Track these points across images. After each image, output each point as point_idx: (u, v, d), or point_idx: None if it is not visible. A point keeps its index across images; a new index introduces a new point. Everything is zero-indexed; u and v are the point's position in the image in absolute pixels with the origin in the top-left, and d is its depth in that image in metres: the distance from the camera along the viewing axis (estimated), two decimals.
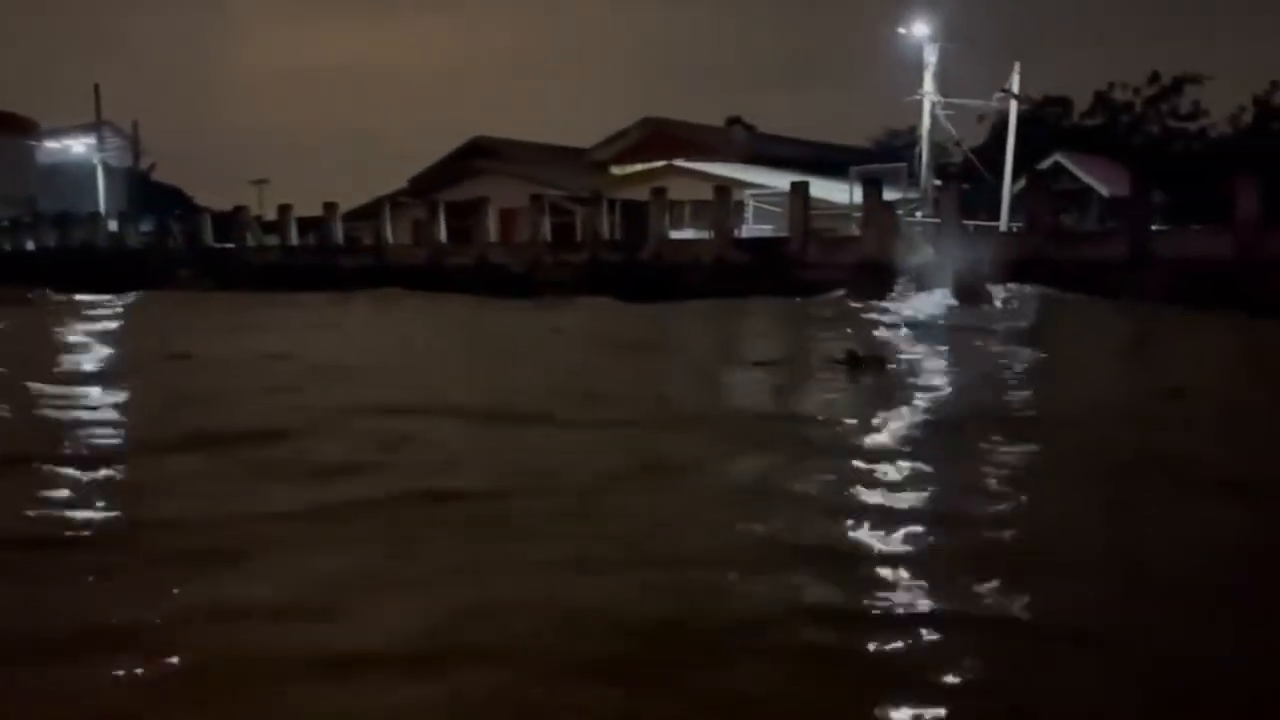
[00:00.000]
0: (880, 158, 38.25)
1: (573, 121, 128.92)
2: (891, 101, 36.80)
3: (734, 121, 52.42)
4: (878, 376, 12.15)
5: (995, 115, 43.77)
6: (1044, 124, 46.02)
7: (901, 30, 30.45)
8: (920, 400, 10.40)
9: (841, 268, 25.35)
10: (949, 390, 11.53)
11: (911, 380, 11.93)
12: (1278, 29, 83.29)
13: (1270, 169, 22.05)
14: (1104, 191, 32.72)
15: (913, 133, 52.85)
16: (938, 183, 30.58)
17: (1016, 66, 29.78)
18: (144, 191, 50.78)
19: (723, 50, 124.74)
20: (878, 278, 24.54)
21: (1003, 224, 29.28)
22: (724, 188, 29.16)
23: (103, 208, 47.17)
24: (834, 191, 30.99)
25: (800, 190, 26.61)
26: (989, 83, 31.38)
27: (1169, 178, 31.50)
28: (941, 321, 19.60)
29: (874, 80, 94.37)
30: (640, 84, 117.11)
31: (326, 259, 35.04)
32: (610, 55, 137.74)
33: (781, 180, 34.86)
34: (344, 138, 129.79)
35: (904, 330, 18.06)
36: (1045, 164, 32.27)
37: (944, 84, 30.62)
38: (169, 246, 39.54)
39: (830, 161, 37.62)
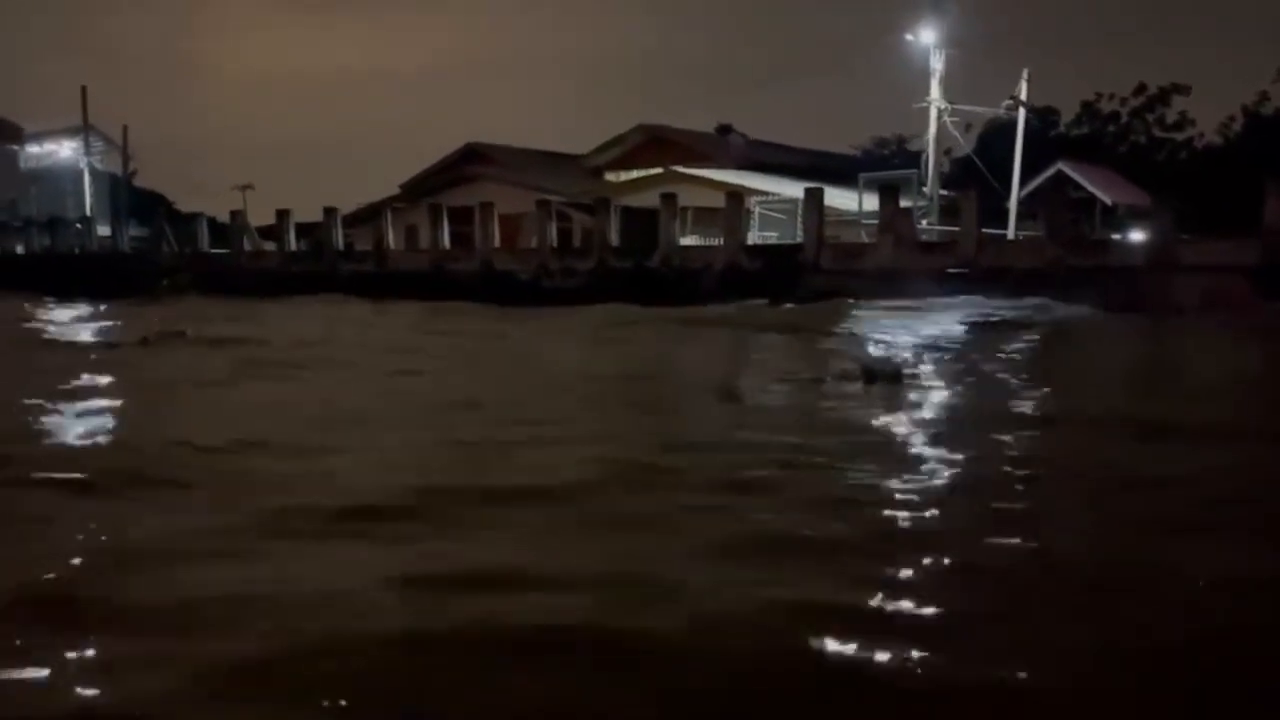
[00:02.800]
0: (869, 166, 38.36)
1: (551, 124, 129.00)
2: (875, 109, 37.13)
3: (725, 128, 52.30)
4: (895, 391, 12.04)
5: (984, 123, 44.22)
6: (1036, 133, 46.39)
7: (909, 37, 30.46)
8: (938, 415, 10.34)
9: (856, 275, 25.35)
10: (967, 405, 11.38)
11: (929, 395, 11.83)
12: (1263, 39, 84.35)
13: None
14: (1106, 200, 33.01)
15: (901, 141, 53.32)
16: (944, 191, 30.63)
17: (1025, 74, 29.92)
18: (128, 197, 50.02)
19: (703, 54, 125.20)
20: (894, 286, 24.54)
21: (1010, 232, 29.41)
22: (736, 194, 29.10)
23: (89, 213, 46.52)
24: (837, 198, 30.98)
25: (815, 197, 26.55)
26: (975, 88, 31.42)
27: (1159, 186, 31.79)
28: (957, 333, 19.52)
29: (859, 86, 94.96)
30: (619, 86, 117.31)
31: (326, 266, 34.71)
32: (595, 58, 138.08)
33: (779, 187, 34.87)
34: (327, 142, 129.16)
35: (920, 342, 17.91)
36: (1049, 172, 32.51)
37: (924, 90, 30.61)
38: (164, 251, 38.98)
39: (825, 169, 37.66)
